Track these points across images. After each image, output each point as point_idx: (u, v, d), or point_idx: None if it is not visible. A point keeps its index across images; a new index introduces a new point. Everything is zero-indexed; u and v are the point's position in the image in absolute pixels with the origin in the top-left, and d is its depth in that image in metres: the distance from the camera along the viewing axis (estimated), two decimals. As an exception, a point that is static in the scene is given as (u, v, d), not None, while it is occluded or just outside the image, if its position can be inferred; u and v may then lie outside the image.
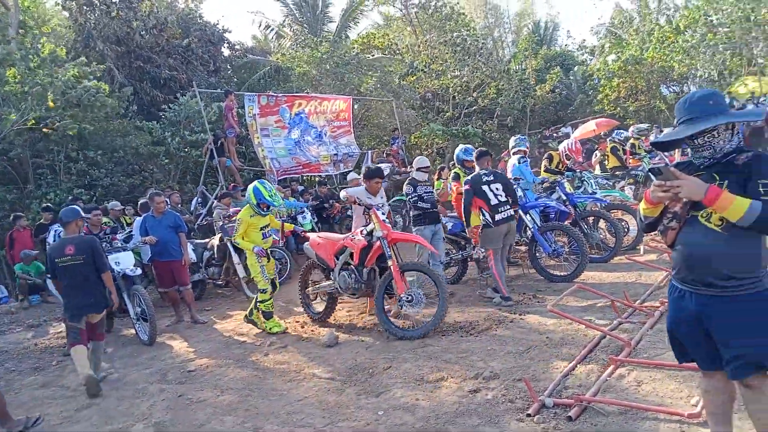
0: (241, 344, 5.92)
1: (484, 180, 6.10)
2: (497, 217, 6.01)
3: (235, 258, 8.01)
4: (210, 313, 7.64)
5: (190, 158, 13.07)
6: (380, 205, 5.87)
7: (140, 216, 8.15)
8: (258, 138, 12.07)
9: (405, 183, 6.90)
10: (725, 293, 2.21)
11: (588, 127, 14.35)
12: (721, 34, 19.55)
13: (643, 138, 11.35)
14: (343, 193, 6.22)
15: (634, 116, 20.46)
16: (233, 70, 18.77)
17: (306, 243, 6.47)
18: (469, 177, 6.28)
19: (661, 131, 15.19)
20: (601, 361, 3.93)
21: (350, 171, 13.94)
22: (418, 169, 6.90)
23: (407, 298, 5.23)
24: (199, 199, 11.78)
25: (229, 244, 8.13)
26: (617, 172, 10.56)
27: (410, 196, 6.62)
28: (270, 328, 6.16)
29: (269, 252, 6.43)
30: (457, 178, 7.19)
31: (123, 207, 10.04)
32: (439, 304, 5.20)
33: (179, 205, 9.96)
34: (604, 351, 4.12)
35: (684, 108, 2.32)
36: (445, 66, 18.57)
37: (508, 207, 6.11)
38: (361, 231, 5.69)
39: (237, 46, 19.90)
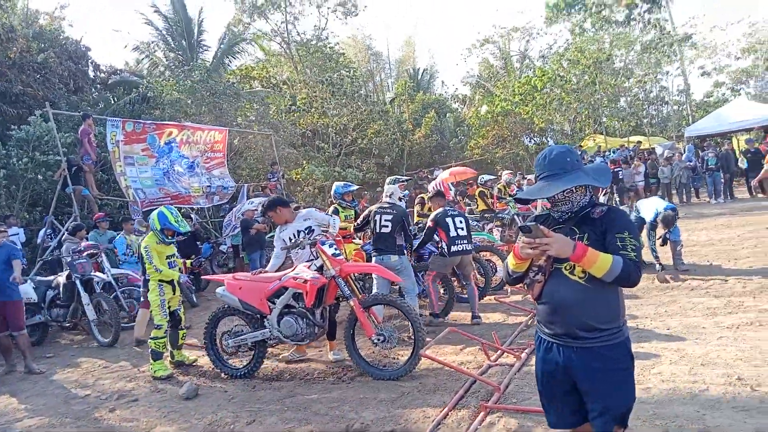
0: (83, 398, 5.21)
1: (449, 214, 6.56)
2: (452, 248, 6.38)
3: (85, 298, 7.20)
4: (51, 361, 6.73)
5: (40, 182, 11.61)
6: (319, 232, 5.32)
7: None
8: (121, 166, 11.10)
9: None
10: (589, 344, 2.24)
11: (444, 175, 14.80)
12: (573, 95, 21.87)
13: (510, 186, 12.20)
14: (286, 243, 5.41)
15: (501, 162, 22.00)
16: (101, 91, 17.33)
17: (221, 288, 5.44)
18: (435, 214, 6.59)
19: (524, 178, 16.40)
20: (472, 407, 3.91)
21: (223, 203, 13.33)
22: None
23: (377, 339, 4.82)
24: (49, 231, 10.54)
25: (78, 282, 7.29)
26: (486, 215, 11.10)
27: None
28: (155, 372, 5.51)
29: (175, 283, 5.86)
30: (336, 212, 7.17)
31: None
32: (414, 341, 4.75)
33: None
34: (475, 396, 4.12)
35: (544, 164, 2.37)
36: (325, 105, 18.72)
37: (465, 242, 6.47)
38: (309, 266, 5.10)
39: (103, 67, 18.57)
